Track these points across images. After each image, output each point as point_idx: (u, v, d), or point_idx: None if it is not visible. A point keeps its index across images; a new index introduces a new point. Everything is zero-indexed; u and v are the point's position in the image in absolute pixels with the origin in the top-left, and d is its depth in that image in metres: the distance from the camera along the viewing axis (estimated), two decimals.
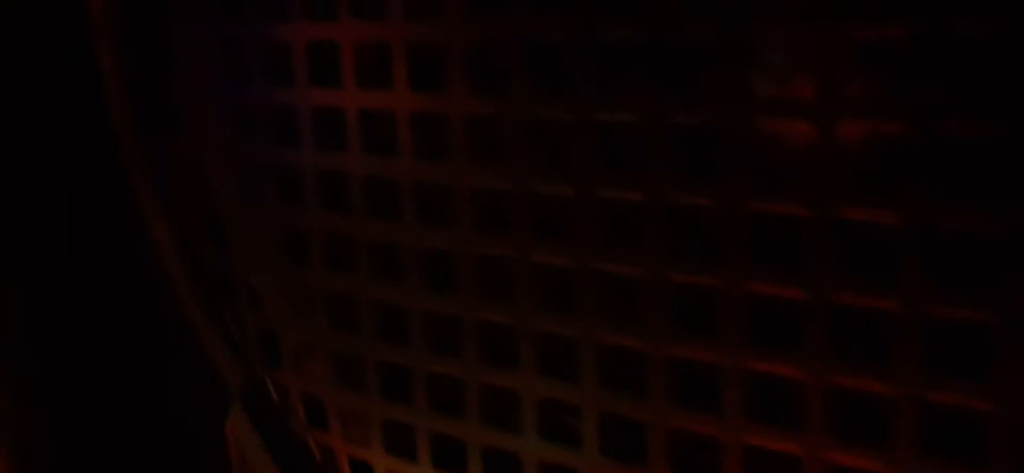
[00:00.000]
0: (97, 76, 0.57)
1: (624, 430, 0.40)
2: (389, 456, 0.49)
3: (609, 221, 0.38)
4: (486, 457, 0.45)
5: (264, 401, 0.57)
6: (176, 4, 0.51)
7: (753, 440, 0.37)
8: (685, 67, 0.35)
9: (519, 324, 0.41)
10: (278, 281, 0.51)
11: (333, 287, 0.48)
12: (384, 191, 0.45)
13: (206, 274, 0.57)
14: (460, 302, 0.43)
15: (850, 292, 0.33)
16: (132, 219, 0.58)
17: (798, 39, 0.33)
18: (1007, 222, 0.30)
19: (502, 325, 0.42)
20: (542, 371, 0.42)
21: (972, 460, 0.32)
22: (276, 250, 0.50)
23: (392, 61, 0.42)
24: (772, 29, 0.33)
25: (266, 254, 0.51)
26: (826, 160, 0.33)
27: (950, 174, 0.31)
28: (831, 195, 0.33)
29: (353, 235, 0.46)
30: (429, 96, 0.41)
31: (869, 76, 0.32)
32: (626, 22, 0.35)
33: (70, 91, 0.59)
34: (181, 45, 0.52)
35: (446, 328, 0.45)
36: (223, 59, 0.50)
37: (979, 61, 0.30)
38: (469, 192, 0.41)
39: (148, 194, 0.58)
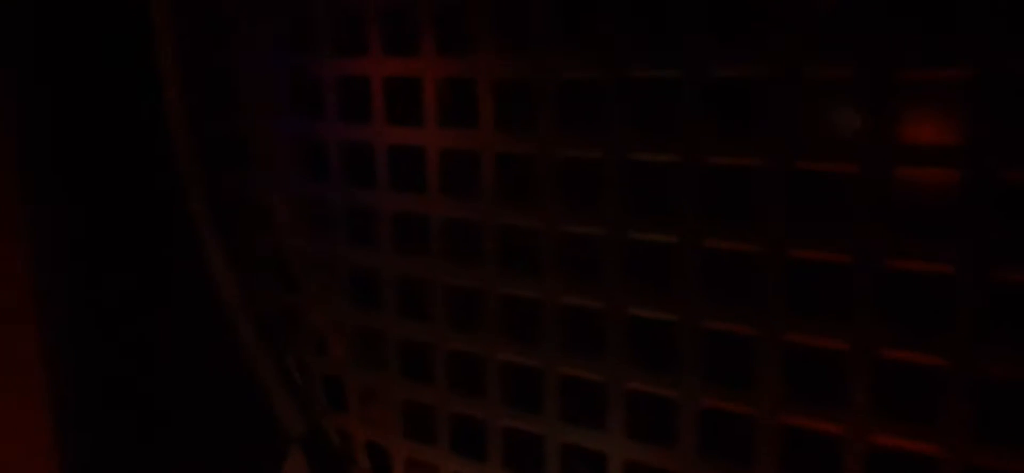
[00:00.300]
0: (159, 107, 0.55)
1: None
2: None
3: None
4: None
5: (324, 447, 0.55)
6: (242, 36, 0.50)
7: None
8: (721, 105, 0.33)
9: (608, 379, 0.39)
10: (345, 324, 0.49)
11: (405, 333, 0.46)
12: (463, 234, 0.42)
13: (268, 315, 0.55)
14: (544, 355, 0.41)
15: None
16: (193, 261, 0.57)
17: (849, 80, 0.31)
18: None
19: (597, 383, 0.39)
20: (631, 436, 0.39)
21: None
22: (344, 292, 0.48)
23: (475, 99, 0.40)
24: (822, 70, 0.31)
25: (333, 296, 0.49)
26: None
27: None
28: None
29: (429, 279, 0.44)
30: (517, 137, 0.39)
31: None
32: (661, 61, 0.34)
33: (135, 130, 0.58)
34: (247, 78, 0.51)
35: (526, 381, 0.42)
36: (290, 93, 0.49)
37: None
38: (559, 239, 0.39)
39: (209, 230, 0.56)
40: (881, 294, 0.31)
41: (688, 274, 0.35)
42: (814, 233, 0.32)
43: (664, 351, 0.37)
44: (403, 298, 0.46)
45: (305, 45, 0.46)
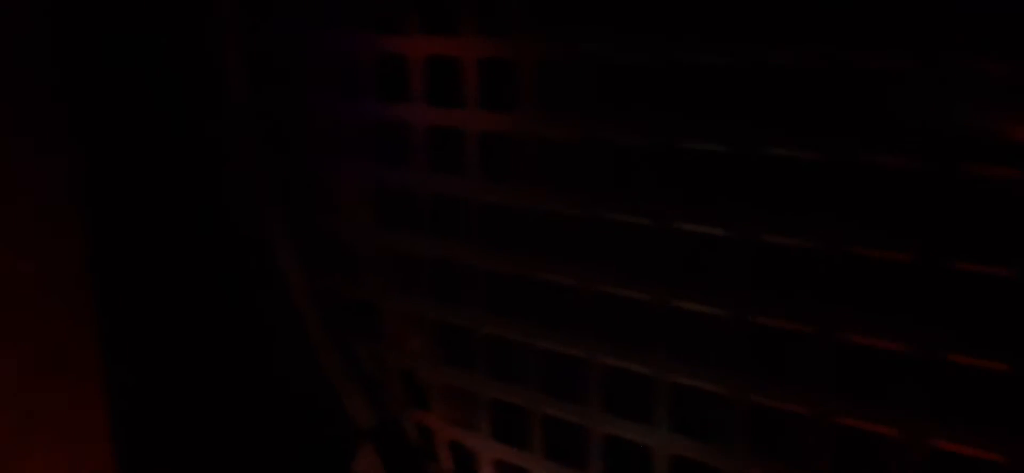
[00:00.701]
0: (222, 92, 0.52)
1: None
2: None
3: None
4: None
5: (398, 442, 0.53)
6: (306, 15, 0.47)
7: None
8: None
9: (730, 394, 0.36)
10: (426, 319, 0.46)
11: (494, 331, 0.43)
12: (555, 227, 0.39)
13: (338, 307, 0.52)
14: (652, 363, 0.38)
15: None
16: (258, 252, 0.54)
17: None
18: None
19: (711, 395, 0.36)
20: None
21: None
22: (425, 285, 0.45)
23: (580, 85, 0.36)
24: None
25: (413, 289, 0.46)
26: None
27: None
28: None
29: (523, 275, 0.41)
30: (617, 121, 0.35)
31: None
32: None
33: (192, 113, 0.55)
34: (312, 56, 0.48)
35: (629, 386, 0.39)
36: (355, 74, 0.45)
37: None
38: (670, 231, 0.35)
39: (274, 218, 0.54)
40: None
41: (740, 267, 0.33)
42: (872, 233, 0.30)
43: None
44: (491, 293, 0.43)
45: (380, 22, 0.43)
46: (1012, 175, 0.27)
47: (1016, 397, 0.29)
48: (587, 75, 0.36)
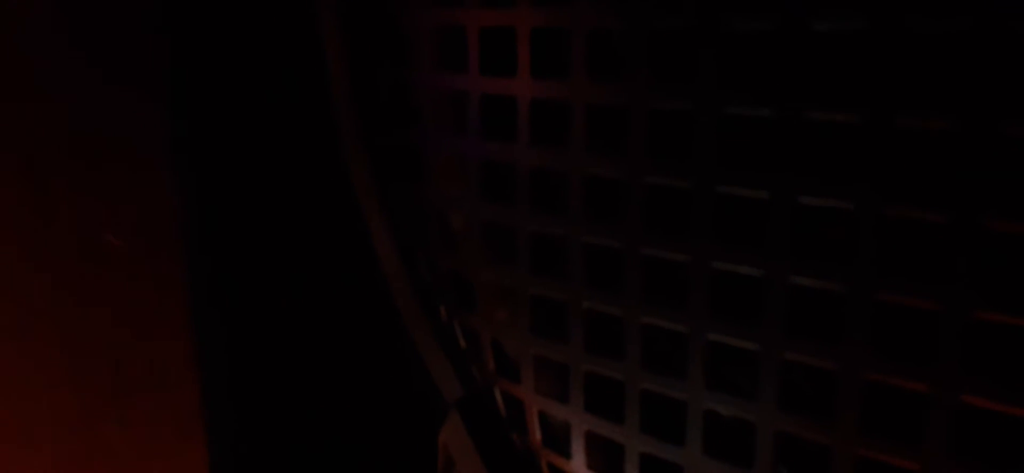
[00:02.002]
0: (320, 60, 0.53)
1: None
2: None
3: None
4: None
5: (486, 413, 0.53)
6: None
7: None
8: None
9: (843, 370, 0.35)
10: (521, 291, 0.46)
11: (592, 304, 0.43)
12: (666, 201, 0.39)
13: (430, 276, 0.53)
14: (764, 337, 0.37)
15: None
16: (347, 219, 0.55)
17: None
18: None
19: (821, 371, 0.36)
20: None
21: None
22: (521, 259, 0.46)
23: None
24: None
25: (508, 262, 0.46)
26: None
27: None
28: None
29: (623, 250, 0.41)
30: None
31: None
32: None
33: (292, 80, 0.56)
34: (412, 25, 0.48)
35: (733, 361, 0.39)
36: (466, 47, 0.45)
37: None
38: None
39: (365, 184, 0.54)
40: None
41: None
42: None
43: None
44: (589, 265, 0.43)
45: None
46: None
47: None
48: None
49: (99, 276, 0.58)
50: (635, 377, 0.42)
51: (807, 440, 0.37)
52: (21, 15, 0.49)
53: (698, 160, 0.36)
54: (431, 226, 0.51)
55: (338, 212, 0.58)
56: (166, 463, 0.61)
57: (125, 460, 0.61)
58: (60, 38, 0.51)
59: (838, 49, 0.31)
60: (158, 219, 0.57)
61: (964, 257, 0.30)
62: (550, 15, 0.40)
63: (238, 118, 0.58)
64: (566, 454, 0.47)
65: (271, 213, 0.61)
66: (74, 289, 0.57)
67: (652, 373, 0.42)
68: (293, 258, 0.63)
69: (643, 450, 0.43)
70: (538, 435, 0.49)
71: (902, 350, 0.33)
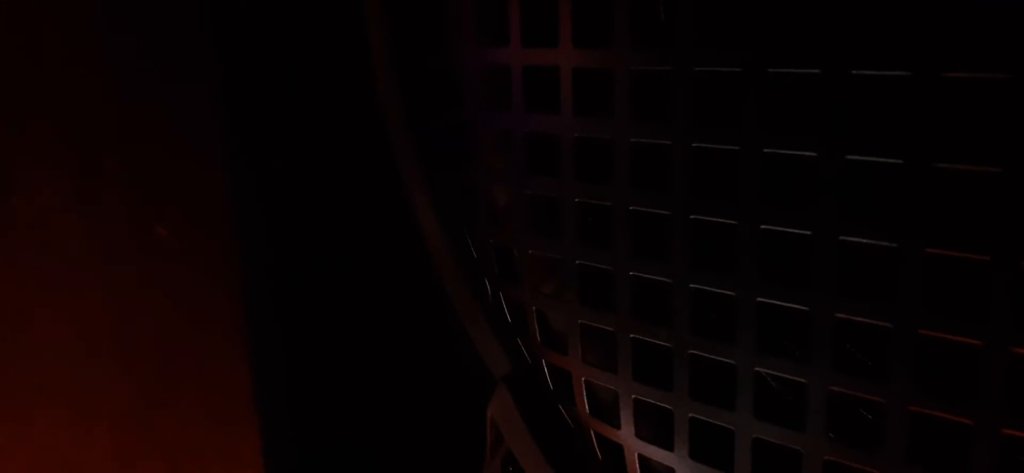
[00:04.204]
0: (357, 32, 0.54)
1: None
2: (692, 460, 0.45)
3: None
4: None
5: (534, 387, 0.54)
6: None
7: None
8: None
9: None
10: (568, 264, 0.47)
11: (640, 272, 0.43)
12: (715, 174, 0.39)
13: (476, 254, 0.53)
14: (812, 302, 0.37)
15: None
16: (394, 205, 0.56)
17: None
18: None
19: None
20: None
21: None
22: (569, 232, 0.46)
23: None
24: None
25: (556, 235, 0.47)
26: None
27: None
28: None
29: (672, 218, 0.41)
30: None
31: None
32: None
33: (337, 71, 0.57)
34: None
35: (785, 325, 0.39)
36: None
37: None
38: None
39: (411, 166, 0.55)
40: None
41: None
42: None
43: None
44: (637, 236, 0.43)
45: None
46: None
47: None
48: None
49: (153, 267, 0.59)
50: (683, 342, 0.43)
51: (859, 399, 0.37)
52: (77, 4, 0.51)
53: (746, 123, 0.37)
54: (477, 204, 0.51)
55: (384, 199, 0.58)
56: (218, 454, 0.63)
57: (178, 451, 0.62)
58: (111, 23, 0.52)
59: (880, 95, 0.32)
60: (213, 210, 0.58)
61: None
62: None
63: (287, 108, 0.59)
64: (615, 424, 0.48)
65: (320, 202, 0.62)
66: (127, 283, 0.59)
67: (700, 337, 0.42)
68: (341, 245, 0.64)
69: (693, 415, 0.43)
70: (586, 406, 0.50)
71: (957, 307, 0.33)
